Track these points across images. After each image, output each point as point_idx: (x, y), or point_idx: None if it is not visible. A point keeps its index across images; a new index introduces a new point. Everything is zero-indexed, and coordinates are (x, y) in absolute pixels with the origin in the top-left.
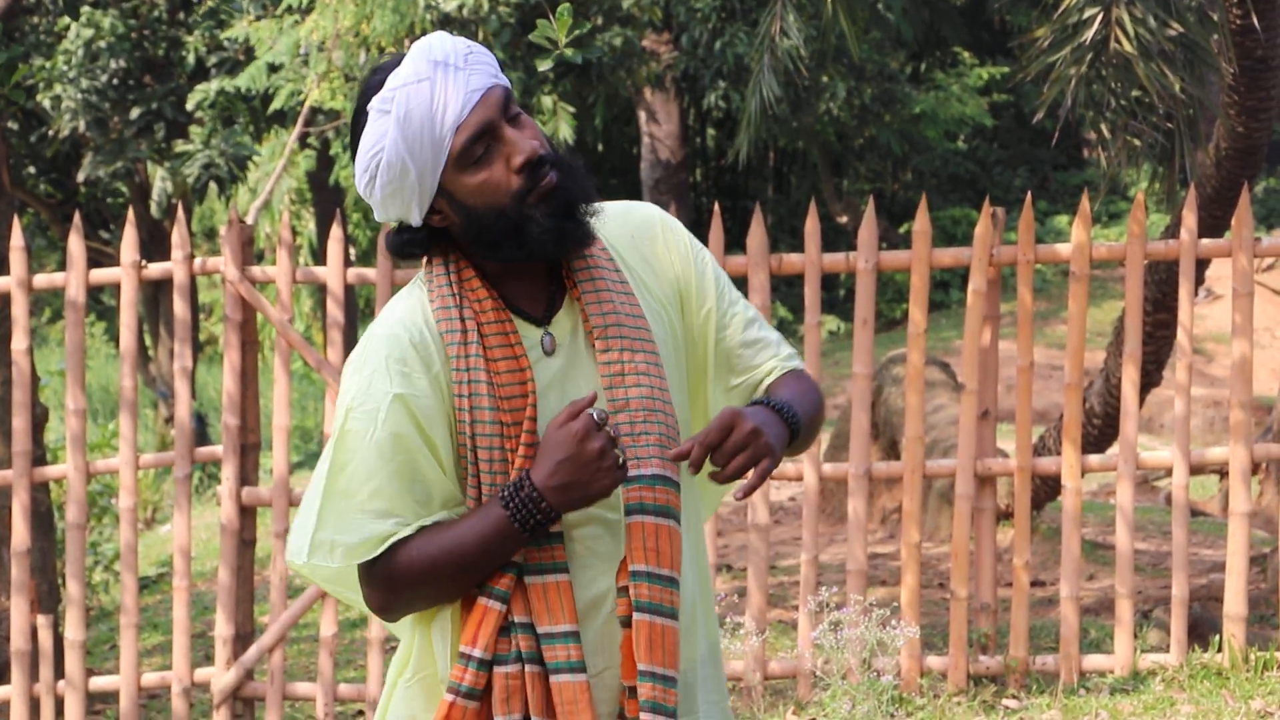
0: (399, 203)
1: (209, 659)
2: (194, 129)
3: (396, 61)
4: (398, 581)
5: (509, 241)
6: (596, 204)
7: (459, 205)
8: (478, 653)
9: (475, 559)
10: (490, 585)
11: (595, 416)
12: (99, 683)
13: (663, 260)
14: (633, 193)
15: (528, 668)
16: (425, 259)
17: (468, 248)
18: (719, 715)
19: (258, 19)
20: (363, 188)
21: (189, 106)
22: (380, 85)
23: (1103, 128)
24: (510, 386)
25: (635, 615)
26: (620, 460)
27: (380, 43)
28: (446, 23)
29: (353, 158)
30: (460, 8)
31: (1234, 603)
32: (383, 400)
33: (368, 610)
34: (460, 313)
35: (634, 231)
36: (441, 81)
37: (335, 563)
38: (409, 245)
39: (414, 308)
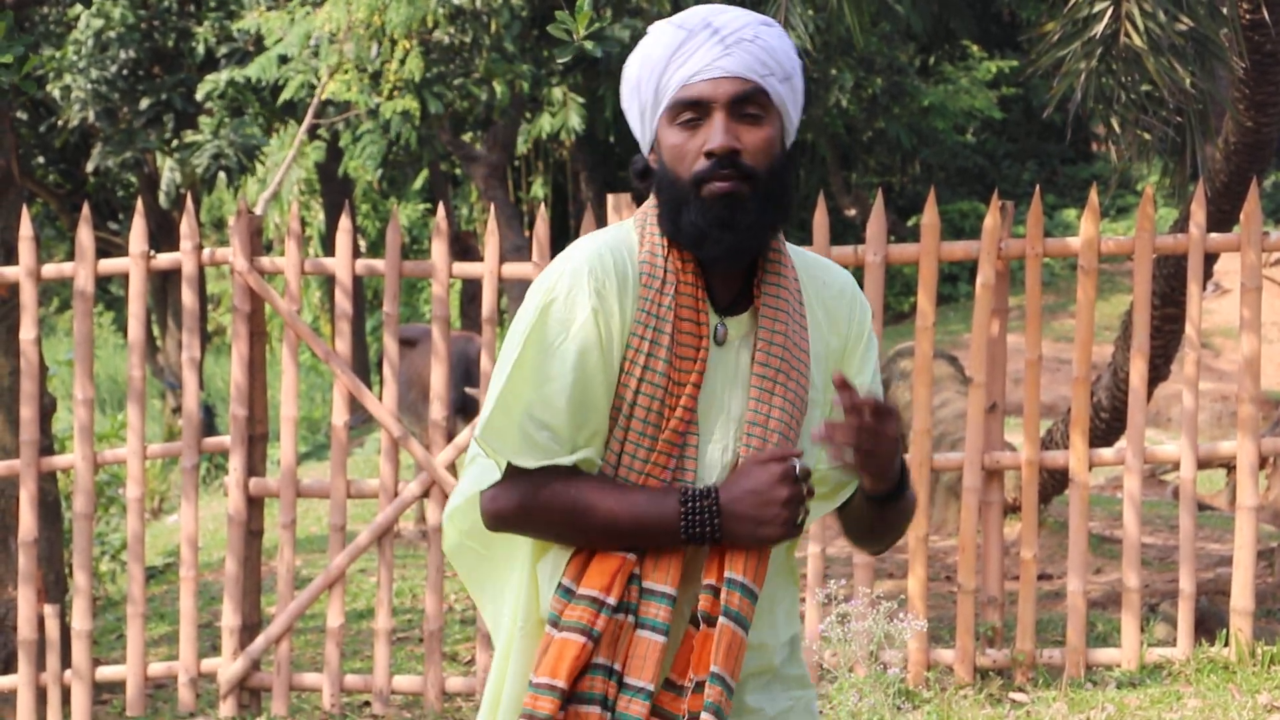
0: (637, 128)
1: (216, 649)
2: (203, 119)
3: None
4: (540, 508)
5: (668, 214)
6: (767, 232)
7: (660, 158)
8: (593, 593)
9: (623, 531)
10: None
11: (798, 469)
12: (105, 672)
13: (842, 324)
14: None
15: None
16: (648, 199)
17: None
18: None
19: (269, 9)
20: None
21: (198, 96)
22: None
23: (1113, 122)
24: (687, 348)
25: (722, 619)
26: (800, 519)
27: (394, 35)
28: (459, 15)
29: None
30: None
31: (1241, 597)
32: (578, 313)
33: (480, 522)
34: (665, 263)
35: (826, 281)
36: (697, 42)
37: (501, 454)
38: (640, 175)
39: (624, 239)
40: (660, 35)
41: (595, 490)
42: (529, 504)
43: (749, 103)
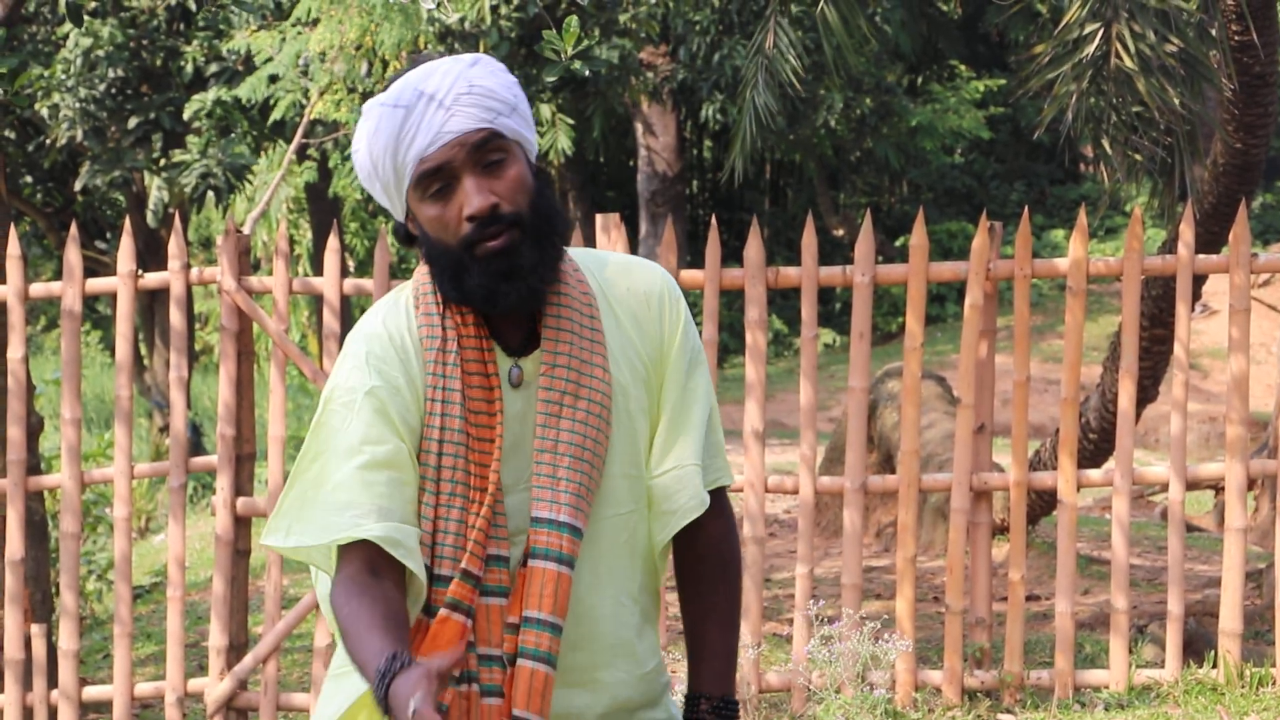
0: (386, 201)
1: (203, 669)
2: (191, 138)
3: (415, 62)
4: (330, 602)
5: (448, 281)
6: (552, 266)
7: (421, 229)
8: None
9: (361, 671)
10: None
11: (412, 708)
12: (92, 692)
13: (653, 328)
14: (630, 205)
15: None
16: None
17: None
18: None
19: (259, 29)
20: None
21: (186, 115)
22: (388, 88)
23: (1104, 143)
24: (479, 403)
25: (520, 660)
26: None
27: (384, 55)
28: (447, 35)
29: None
30: (462, 20)
31: (1229, 618)
32: (359, 394)
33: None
34: (443, 321)
35: (631, 287)
36: (419, 114)
37: (288, 544)
38: (406, 237)
39: (399, 309)
40: (380, 119)
41: (356, 609)
42: (330, 604)
43: (488, 150)
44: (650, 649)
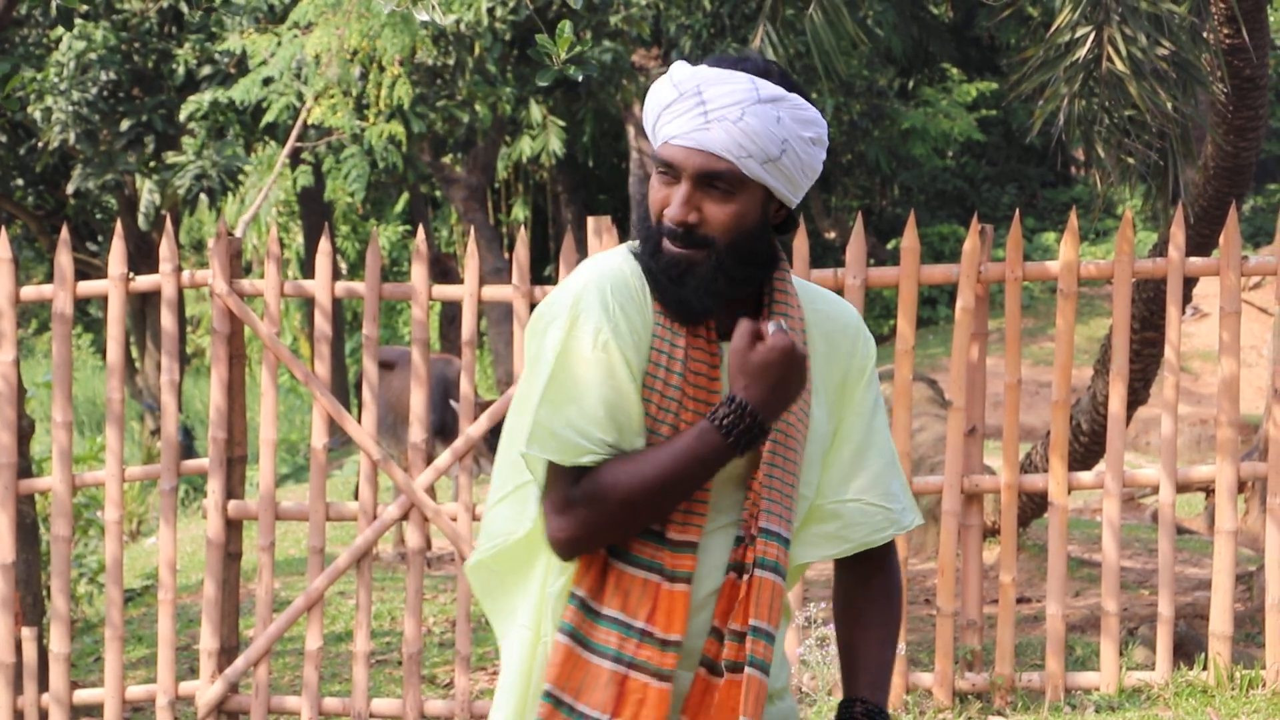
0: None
1: (194, 672)
2: (186, 140)
3: (720, 61)
4: (604, 500)
5: (647, 246)
6: (719, 295)
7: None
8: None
9: (682, 475)
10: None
11: (772, 328)
12: (83, 696)
13: (843, 358)
14: (622, 208)
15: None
16: None
17: None
18: None
19: (253, 32)
20: None
21: (181, 117)
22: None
23: (1096, 146)
24: (700, 364)
25: (749, 669)
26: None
27: (382, 61)
28: (440, 37)
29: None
30: (458, 22)
31: (1219, 621)
32: (604, 325)
33: (549, 549)
34: None
35: (830, 314)
36: (683, 107)
37: (550, 454)
38: None
39: (635, 265)
40: (659, 87)
41: (641, 459)
42: (602, 504)
43: (718, 179)
44: (781, 647)
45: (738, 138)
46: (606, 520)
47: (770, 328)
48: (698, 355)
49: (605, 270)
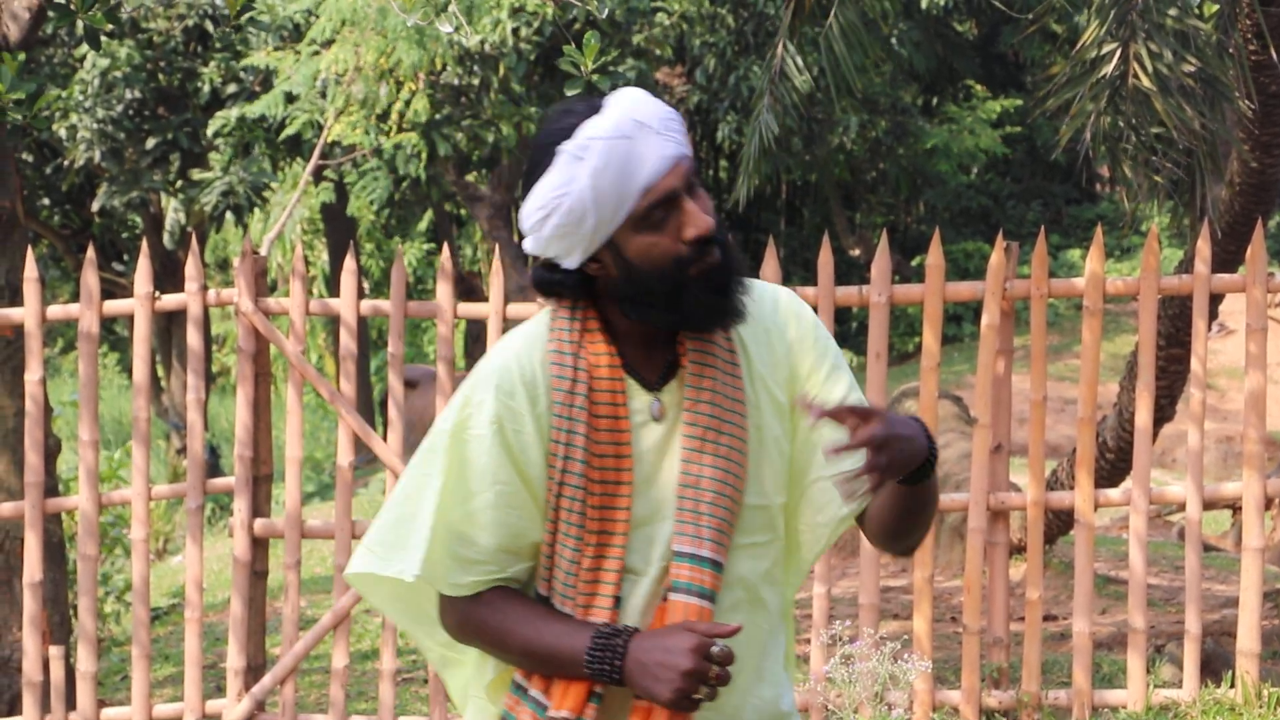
0: (564, 245)
1: (221, 690)
2: (213, 155)
3: (588, 109)
4: (476, 633)
5: (663, 305)
6: (744, 281)
7: (623, 261)
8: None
9: (537, 659)
10: None
11: (716, 649)
12: (111, 714)
13: (780, 347)
14: None
15: None
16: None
17: (604, 301)
18: None
19: (277, 50)
20: (532, 223)
21: (209, 132)
22: (570, 130)
23: (1122, 163)
24: (605, 445)
25: None
26: (698, 697)
27: (400, 77)
28: (465, 57)
29: (524, 193)
30: (483, 42)
31: (1247, 638)
32: (488, 428)
33: (434, 633)
34: (575, 361)
35: (757, 313)
36: (642, 143)
37: (435, 583)
38: (556, 286)
39: (532, 345)
40: (607, 152)
41: (518, 618)
42: (465, 626)
43: (691, 176)
44: (778, 663)
45: (677, 129)
46: (481, 645)
47: (717, 645)
48: (602, 437)
49: (499, 364)
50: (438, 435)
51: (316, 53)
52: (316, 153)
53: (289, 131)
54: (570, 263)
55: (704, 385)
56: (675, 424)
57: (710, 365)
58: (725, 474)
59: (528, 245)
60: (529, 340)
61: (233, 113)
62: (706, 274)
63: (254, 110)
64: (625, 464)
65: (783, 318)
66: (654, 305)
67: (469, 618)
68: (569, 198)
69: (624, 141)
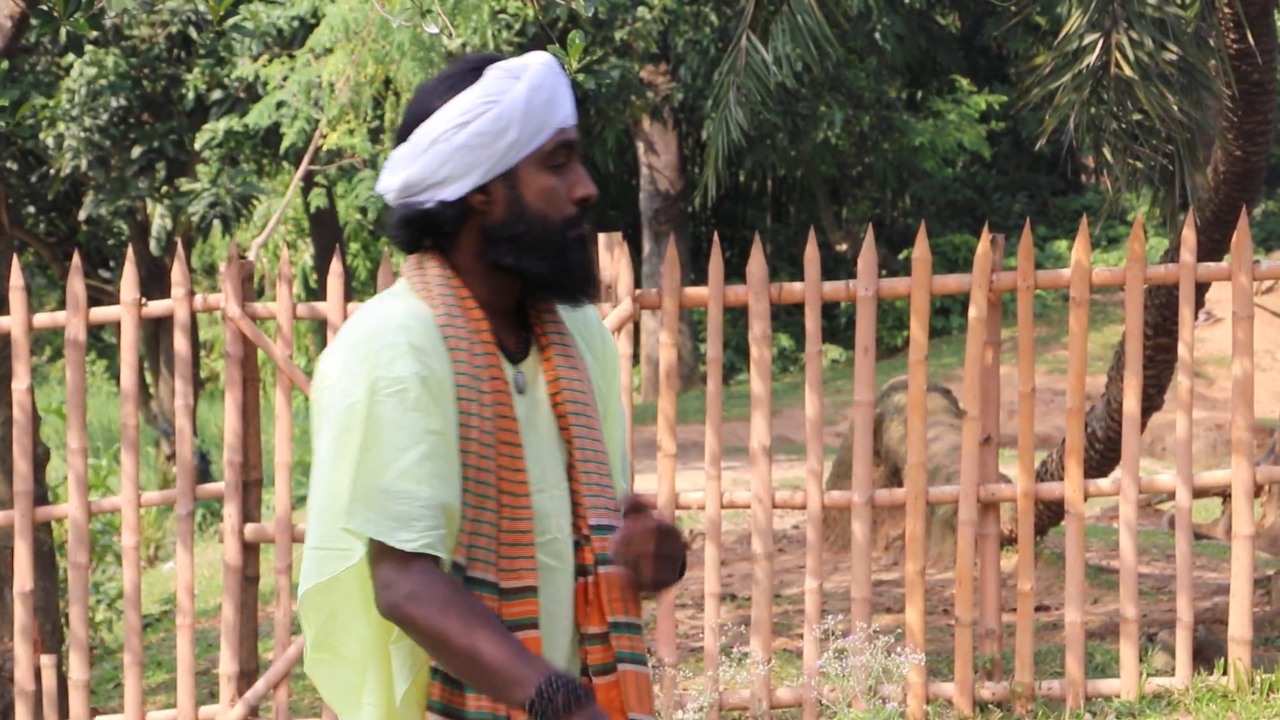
0: (465, 162)
1: (214, 696)
2: (201, 167)
3: (493, 57)
4: (410, 625)
5: (548, 256)
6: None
7: (516, 197)
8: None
9: (477, 675)
10: None
11: None
12: None
13: (598, 351)
14: (633, 224)
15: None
16: (415, 263)
17: (467, 260)
18: None
19: (270, 59)
20: (439, 134)
21: (197, 146)
22: (492, 61)
23: (1105, 152)
24: (502, 405)
25: (621, 666)
26: None
27: (399, 88)
28: (450, 59)
29: (402, 134)
30: (464, 46)
31: (1239, 625)
32: (410, 381)
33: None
34: (466, 322)
35: (574, 317)
36: (561, 88)
37: (370, 532)
38: (434, 219)
39: (416, 309)
40: (543, 76)
41: (462, 615)
42: (401, 622)
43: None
44: None
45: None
46: (414, 635)
47: None
48: (499, 398)
49: (398, 320)
50: (349, 397)
51: (309, 62)
52: (307, 158)
53: (286, 143)
54: (456, 190)
55: (571, 365)
56: (535, 399)
57: (566, 345)
58: (600, 452)
59: (399, 178)
60: (411, 306)
61: (220, 125)
62: (581, 241)
63: (243, 122)
64: (515, 427)
65: (595, 330)
66: (536, 253)
67: (404, 609)
68: (499, 105)
69: (554, 75)
